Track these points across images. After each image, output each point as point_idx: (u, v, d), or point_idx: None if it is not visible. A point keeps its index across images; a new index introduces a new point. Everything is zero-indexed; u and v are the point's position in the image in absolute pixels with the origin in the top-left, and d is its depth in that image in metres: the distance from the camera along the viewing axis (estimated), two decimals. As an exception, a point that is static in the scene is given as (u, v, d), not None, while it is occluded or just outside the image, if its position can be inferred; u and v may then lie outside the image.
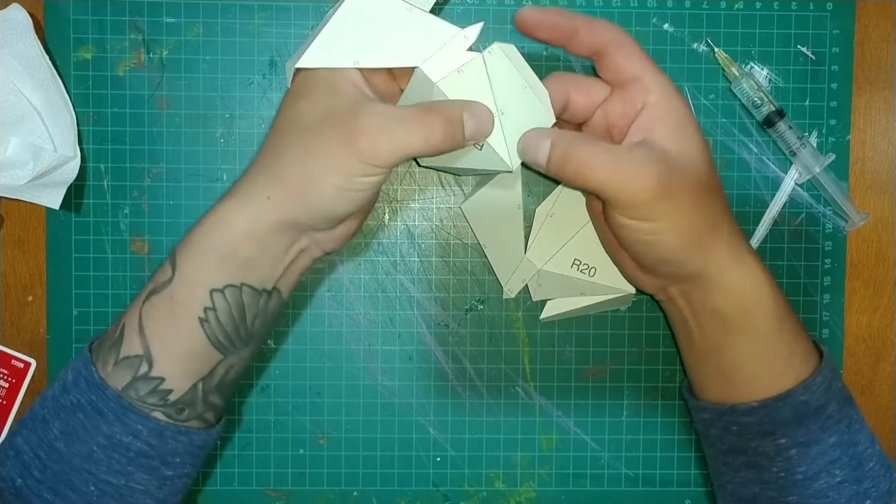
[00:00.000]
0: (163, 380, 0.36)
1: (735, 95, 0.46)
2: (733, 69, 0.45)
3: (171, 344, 0.36)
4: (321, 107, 0.36)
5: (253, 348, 0.39)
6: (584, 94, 0.39)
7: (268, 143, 0.37)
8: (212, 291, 0.36)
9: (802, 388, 0.38)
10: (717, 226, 0.37)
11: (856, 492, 0.37)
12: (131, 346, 0.36)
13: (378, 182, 0.36)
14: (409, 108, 0.36)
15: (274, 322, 0.40)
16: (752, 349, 0.38)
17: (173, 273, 0.36)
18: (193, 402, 0.37)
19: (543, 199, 0.45)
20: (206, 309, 0.36)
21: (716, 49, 0.46)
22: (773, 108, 0.45)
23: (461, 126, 0.36)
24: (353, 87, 0.36)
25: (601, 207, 0.39)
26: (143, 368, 0.36)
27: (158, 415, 0.36)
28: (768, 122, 0.45)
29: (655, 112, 0.37)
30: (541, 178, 0.46)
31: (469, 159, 0.39)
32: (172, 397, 0.36)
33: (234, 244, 0.36)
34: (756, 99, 0.45)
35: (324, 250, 0.40)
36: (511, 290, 0.46)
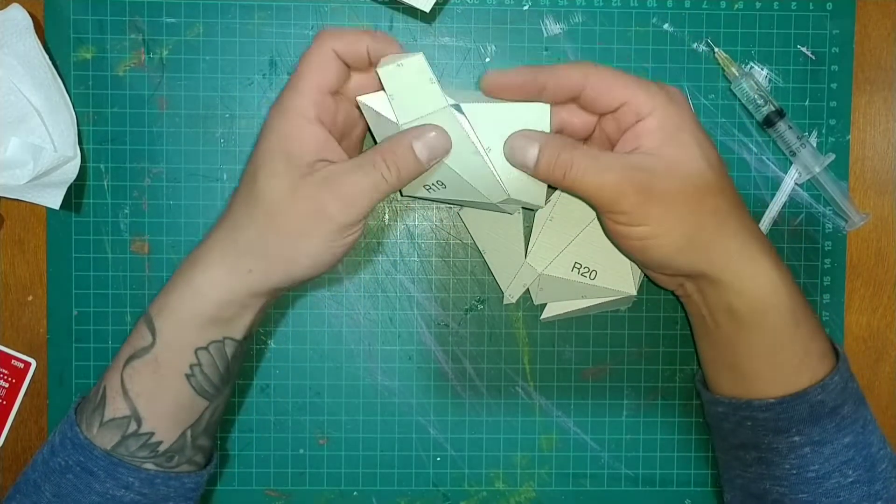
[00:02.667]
0: (152, 434, 0.37)
1: (735, 95, 0.46)
2: (733, 69, 0.45)
3: (158, 402, 0.37)
4: (282, 179, 0.36)
5: (233, 385, 0.40)
6: (577, 115, 0.40)
7: (241, 211, 0.38)
8: (196, 350, 0.37)
9: (819, 388, 0.38)
10: (720, 226, 0.37)
11: (867, 493, 0.38)
12: (116, 408, 0.37)
13: (356, 238, 0.37)
14: (362, 158, 0.37)
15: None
16: (767, 346, 0.38)
17: (154, 338, 0.37)
18: (183, 449, 0.38)
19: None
20: (191, 366, 0.37)
21: (715, 49, 0.45)
22: (773, 108, 0.45)
23: (412, 155, 0.37)
24: (308, 150, 0.37)
25: None
26: (132, 427, 0.37)
27: (149, 465, 0.37)
28: (768, 122, 0.45)
29: (647, 124, 0.37)
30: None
31: (467, 192, 0.40)
32: (162, 448, 0.37)
33: (216, 309, 0.37)
34: (756, 98, 0.45)
35: (294, 289, 0.41)
36: (512, 294, 0.45)
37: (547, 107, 0.39)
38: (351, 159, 0.37)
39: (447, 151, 0.38)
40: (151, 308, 0.38)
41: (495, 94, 0.39)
